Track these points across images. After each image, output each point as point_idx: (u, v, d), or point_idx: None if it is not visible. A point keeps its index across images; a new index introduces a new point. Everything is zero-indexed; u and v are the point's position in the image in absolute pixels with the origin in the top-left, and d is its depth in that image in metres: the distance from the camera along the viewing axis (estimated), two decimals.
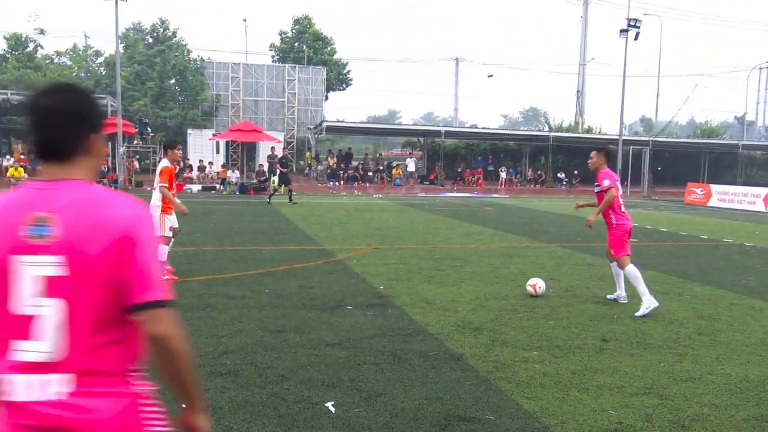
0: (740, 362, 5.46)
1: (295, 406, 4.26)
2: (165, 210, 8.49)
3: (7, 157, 33.14)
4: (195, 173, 32.81)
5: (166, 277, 8.46)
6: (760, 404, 4.49)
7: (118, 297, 1.75)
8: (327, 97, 44.58)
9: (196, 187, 29.42)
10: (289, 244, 12.23)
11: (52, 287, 1.70)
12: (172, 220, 8.65)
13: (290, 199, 22.59)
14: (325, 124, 36.98)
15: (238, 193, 28.79)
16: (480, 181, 38.93)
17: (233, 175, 31.38)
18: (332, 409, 4.21)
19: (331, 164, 37.85)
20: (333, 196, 28.30)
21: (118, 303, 1.75)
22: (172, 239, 8.85)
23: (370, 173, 38.39)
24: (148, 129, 32.45)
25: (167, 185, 8.42)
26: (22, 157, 32.13)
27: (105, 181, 26.51)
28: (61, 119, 1.77)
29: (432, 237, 13.77)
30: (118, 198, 1.81)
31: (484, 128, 52.01)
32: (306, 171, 38.99)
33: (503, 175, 39.45)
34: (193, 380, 1.89)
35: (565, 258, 11.27)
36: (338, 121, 40.82)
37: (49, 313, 1.70)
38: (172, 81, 39.84)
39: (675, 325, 6.65)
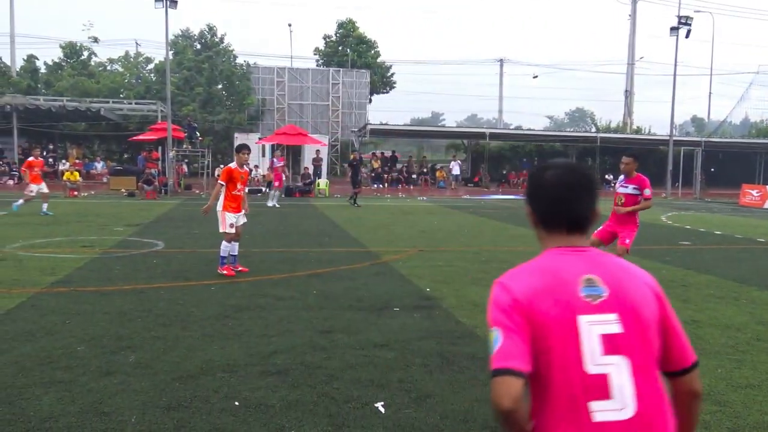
0: None
1: (345, 405, 4.29)
2: (226, 207, 9.00)
3: (63, 161, 34.31)
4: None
5: (240, 269, 9.02)
6: None
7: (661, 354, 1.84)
8: (371, 100, 44.70)
9: (244, 193, 29.82)
10: (335, 246, 12.32)
11: (615, 345, 1.74)
12: (233, 217, 9.03)
13: (354, 202, 23.06)
14: (369, 127, 37.11)
15: (284, 195, 29.17)
16: (525, 183, 38.43)
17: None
18: (382, 410, 4.23)
19: (375, 167, 37.97)
20: (377, 199, 28.37)
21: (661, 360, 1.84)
22: (237, 243, 9.29)
23: (414, 176, 38.37)
24: (197, 133, 33.11)
25: (224, 183, 9.00)
26: (77, 161, 33.23)
27: (156, 184, 27.16)
28: (591, 196, 1.92)
29: (478, 239, 13.67)
30: (631, 263, 1.96)
31: (529, 129, 51.40)
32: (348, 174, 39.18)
33: None
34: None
35: None
36: (382, 124, 40.93)
37: (618, 371, 1.73)
38: (220, 86, 40.59)
39: (732, 330, 6.45)
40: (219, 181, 9.15)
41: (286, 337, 5.87)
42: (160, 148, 31.89)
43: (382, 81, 47.44)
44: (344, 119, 41.30)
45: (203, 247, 11.73)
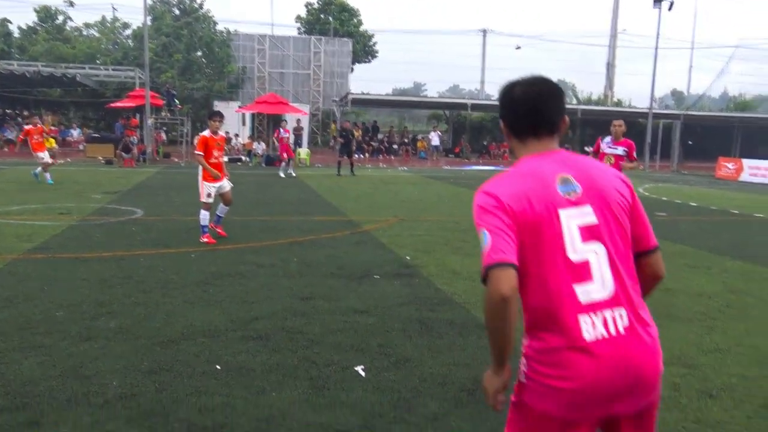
0: None
1: (326, 369, 4.35)
2: (205, 178, 9.02)
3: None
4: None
5: (205, 240, 8.91)
6: None
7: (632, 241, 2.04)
8: (353, 69, 44.28)
9: (222, 159, 29.57)
10: (316, 215, 12.32)
11: (593, 233, 1.95)
12: (212, 187, 9.06)
13: (351, 171, 23.19)
14: (350, 97, 36.83)
15: (264, 165, 28.95)
16: (506, 154, 38.57)
17: (259, 147, 31.51)
18: (362, 373, 4.30)
19: (356, 137, 37.80)
20: (358, 169, 28.30)
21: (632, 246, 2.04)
22: (225, 206, 9.37)
23: (395, 146, 38.28)
24: (176, 101, 32.61)
25: (202, 153, 8.97)
26: (52, 128, 32.60)
27: (134, 152, 26.79)
28: (555, 104, 2.09)
29: (458, 209, 13.73)
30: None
31: None
32: (331, 143, 38.99)
33: None
34: None
35: None
36: (363, 94, 40.62)
37: (596, 257, 1.94)
38: (199, 53, 39.89)
39: (704, 299, 6.61)
40: (196, 151, 9.12)
41: (266, 304, 5.91)
42: (138, 115, 31.38)
43: (364, 50, 46.93)
44: (326, 88, 40.90)
45: (183, 215, 11.67)
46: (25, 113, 36.85)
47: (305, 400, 3.86)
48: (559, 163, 2.03)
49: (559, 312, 1.88)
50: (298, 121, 30.42)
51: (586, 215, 1.96)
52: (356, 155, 35.34)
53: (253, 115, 36.00)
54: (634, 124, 40.53)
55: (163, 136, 33.26)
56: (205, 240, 8.92)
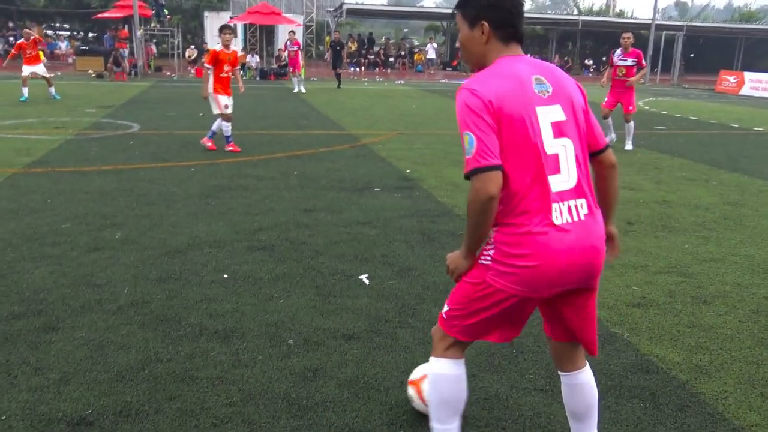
0: (765, 245, 5.54)
1: (331, 278, 4.46)
2: (216, 90, 9.18)
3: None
4: None
5: (230, 149, 9.28)
6: None
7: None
8: None
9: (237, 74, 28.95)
10: (314, 128, 12.23)
11: (562, 130, 2.11)
12: (225, 99, 9.24)
13: (338, 84, 23.09)
14: (345, 7, 35.69)
15: (258, 78, 28.42)
16: None
17: (253, 60, 30.78)
18: (366, 281, 4.41)
19: (351, 49, 36.90)
20: (354, 82, 27.83)
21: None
22: (228, 124, 9.46)
23: (392, 59, 37.45)
24: (165, 11, 31.55)
25: (211, 67, 9.13)
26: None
27: (125, 65, 26.17)
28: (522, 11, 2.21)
29: (456, 123, 13.61)
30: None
31: None
32: (325, 56, 38.08)
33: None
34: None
35: None
36: (358, 4, 39.31)
37: (564, 151, 2.11)
38: None
39: (701, 210, 6.70)
40: (205, 65, 9.27)
41: (269, 216, 5.97)
42: (126, 26, 30.42)
43: None
44: None
45: (179, 128, 11.56)
46: (10, 25, 35.71)
47: (312, 307, 3.98)
48: (532, 65, 2.17)
49: (536, 199, 2.05)
50: (292, 32, 29.58)
51: (557, 113, 2.11)
52: (351, 68, 34.67)
53: (245, 26, 34.92)
54: (636, 36, 39.63)
55: (154, 49, 32.42)
56: (230, 149, 9.24)
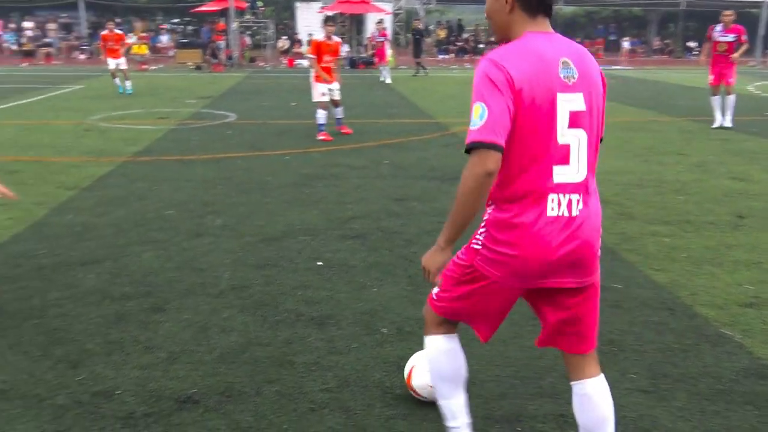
0: None
1: None
2: (317, 78, 9.47)
3: (130, 35, 34.51)
4: (305, 47, 32.88)
5: (321, 138, 9.46)
6: None
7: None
8: None
9: (306, 62, 29.55)
10: (403, 117, 12.24)
11: (578, 120, 2.02)
12: (325, 87, 9.49)
13: (417, 72, 23.32)
14: None
15: (348, 67, 28.73)
16: (600, 52, 36.42)
17: (342, 49, 31.09)
18: None
19: (440, 37, 36.62)
20: (443, 70, 27.63)
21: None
22: (336, 108, 9.86)
23: (482, 45, 36.85)
24: (259, 3, 32.45)
25: (314, 57, 9.41)
26: (143, 35, 33.38)
27: (222, 57, 27.16)
28: None
29: None
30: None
31: None
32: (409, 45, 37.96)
33: (626, 45, 36.61)
34: None
35: (695, 133, 10.57)
36: None
37: (577, 142, 2.02)
38: None
39: None
40: (308, 54, 9.79)
41: (361, 204, 6.03)
42: (223, 19, 31.53)
43: None
44: None
45: (273, 118, 11.88)
46: (117, 20, 37.83)
47: (405, 296, 3.99)
48: (561, 46, 2.04)
49: (534, 188, 1.98)
50: (381, 21, 29.69)
51: (577, 102, 2.00)
52: (440, 56, 34.39)
53: (335, 15, 35.35)
54: (744, 16, 37.04)
55: (248, 40, 33.43)
56: (322, 137, 9.44)
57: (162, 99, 15.06)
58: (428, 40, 35.45)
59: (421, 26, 25.42)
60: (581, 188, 2.03)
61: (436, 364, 2.37)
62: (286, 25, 37.49)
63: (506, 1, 2.04)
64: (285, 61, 30.70)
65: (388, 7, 35.61)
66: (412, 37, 24.13)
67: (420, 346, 3.34)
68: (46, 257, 4.49)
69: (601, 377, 2.23)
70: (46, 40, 33.48)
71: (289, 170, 7.50)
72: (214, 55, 26.63)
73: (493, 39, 24.09)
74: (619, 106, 14.38)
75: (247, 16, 32.43)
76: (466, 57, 35.00)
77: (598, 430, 2.20)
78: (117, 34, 16.07)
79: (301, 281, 4.20)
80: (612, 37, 39.12)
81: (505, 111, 1.90)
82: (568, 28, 41.02)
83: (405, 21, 39.38)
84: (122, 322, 3.60)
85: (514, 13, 2.05)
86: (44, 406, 2.80)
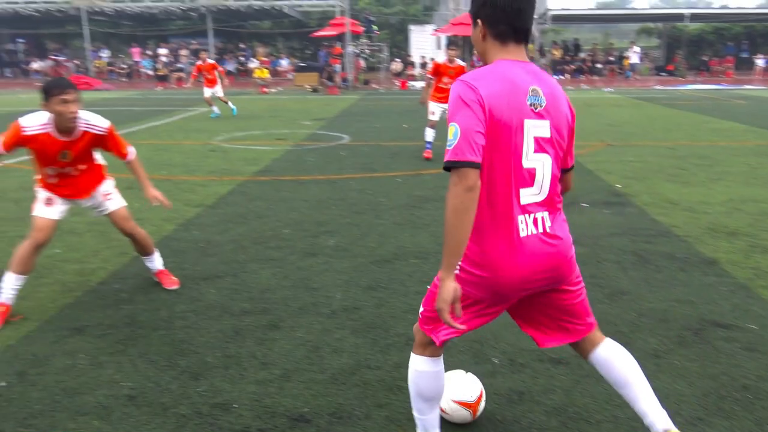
0: None
1: None
2: (432, 97, 9.90)
3: (252, 59, 36.49)
4: (417, 70, 33.30)
5: (425, 156, 9.84)
6: None
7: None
8: None
9: (419, 84, 29.94)
10: None
11: (543, 146, 2.14)
12: (437, 106, 9.81)
13: None
14: (549, 13, 34.81)
15: None
16: (729, 71, 34.25)
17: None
18: None
19: (556, 56, 35.89)
20: None
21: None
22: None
23: (599, 65, 35.73)
24: (374, 27, 33.32)
25: (432, 78, 9.82)
26: (264, 59, 35.19)
27: (337, 80, 28.06)
28: (532, 10, 2.17)
29: (673, 133, 12.58)
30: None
31: (738, 8, 44.98)
32: None
33: (760, 63, 34.17)
34: None
35: None
36: (564, 9, 38.12)
37: (542, 166, 2.15)
38: None
39: None
40: (427, 75, 10.18)
41: None
42: (339, 43, 32.63)
43: None
44: None
45: (385, 140, 12.08)
46: (241, 46, 40.12)
47: (516, 326, 3.87)
48: (532, 75, 2.13)
49: (503, 210, 2.09)
50: None
51: (543, 128, 2.11)
52: (556, 76, 33.64)
53: (448, 38, 35.62)
54: None
55: (362, 63, 34.35)
56: (426, 156, 9.76)
57: (280, 121, 15.75)
58: (543, 61, 34.83)
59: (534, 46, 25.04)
60: (544, 205, 2.16)
61: (417, 385, 2.47)
62: (401, 48, 38.21)
63: (479, 30, 2.18)
64: (398, 83, 31.24)
65: None
66: None
67: (533, 380, 3.24)
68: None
69: (608, 340, 2.45)
70: (178, 65, 36.08)
71: (401, 192, 7.58)
72: (330, 78, 27.55)
73: (611, 58, 23.49)
74: (749, 128, 13.42)
75: (363, 40, 33.37)
76: (583, 77, 34.04)
77: (629, 382, 2.38)
78: (210, 64, 16.37)
79: (412, 305, 4.19)
80: (744, 55, 36.65)
81: (478, 128, 1.99)
82: (693, 45, 38.91)
83: None
84: (239, 337, 3.75)
85: (487, 41, 2.17)
86: (168, 414, 2.95)
